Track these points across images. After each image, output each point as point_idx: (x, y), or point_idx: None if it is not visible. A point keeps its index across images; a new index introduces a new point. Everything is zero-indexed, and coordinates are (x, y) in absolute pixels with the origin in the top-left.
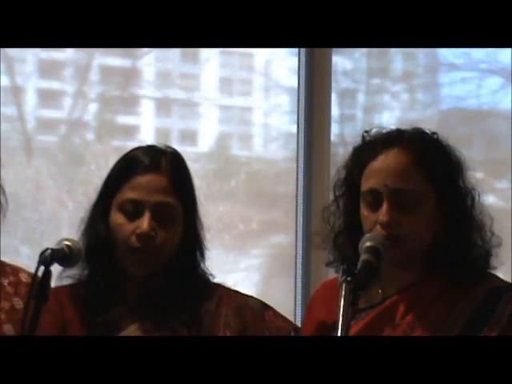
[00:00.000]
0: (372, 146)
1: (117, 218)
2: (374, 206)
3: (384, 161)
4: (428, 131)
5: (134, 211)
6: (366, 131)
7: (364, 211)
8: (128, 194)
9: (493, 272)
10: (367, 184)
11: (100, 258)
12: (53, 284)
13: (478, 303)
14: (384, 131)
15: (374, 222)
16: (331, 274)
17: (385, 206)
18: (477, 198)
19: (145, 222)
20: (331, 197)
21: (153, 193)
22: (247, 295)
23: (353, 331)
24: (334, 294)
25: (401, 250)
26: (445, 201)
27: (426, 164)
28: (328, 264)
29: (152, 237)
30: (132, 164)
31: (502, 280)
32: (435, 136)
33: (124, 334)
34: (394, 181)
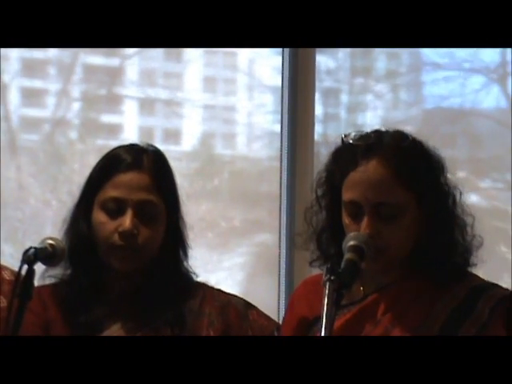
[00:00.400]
0: (352, 153)
1: (99, 216)
2: (356, 217)
3: (364, 173)
4: (407, 134)
5: (116, 209)
6: (346, 135)
7: (346, 219)
8: (110, 192)
9: (473, 271)
10: (348, 195)
11: (83, 257)
12: (36, 283)
13: (459, 301)
14: (364, 134)
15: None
16: (315, 272)
17: (366, 219)
18: (458, 197)
19: (127, 220)
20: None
21: (135, 191)
22: (230, 294)
23: (334, 327)
24: (315, 290)
25: (384, 260)
26: (426, 203)
27: (406, 174)
28: (311, 262)
29: (134, 235)
30: (114, 162)
31: (482, 279)
32: (414, 140)
33: (107, 333)
34: (375, 194)
